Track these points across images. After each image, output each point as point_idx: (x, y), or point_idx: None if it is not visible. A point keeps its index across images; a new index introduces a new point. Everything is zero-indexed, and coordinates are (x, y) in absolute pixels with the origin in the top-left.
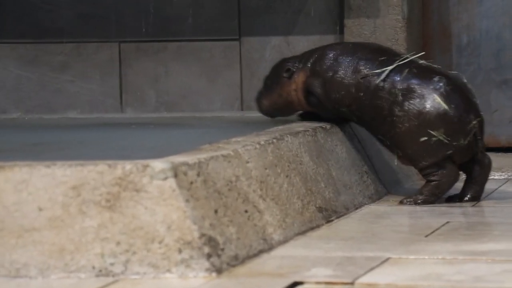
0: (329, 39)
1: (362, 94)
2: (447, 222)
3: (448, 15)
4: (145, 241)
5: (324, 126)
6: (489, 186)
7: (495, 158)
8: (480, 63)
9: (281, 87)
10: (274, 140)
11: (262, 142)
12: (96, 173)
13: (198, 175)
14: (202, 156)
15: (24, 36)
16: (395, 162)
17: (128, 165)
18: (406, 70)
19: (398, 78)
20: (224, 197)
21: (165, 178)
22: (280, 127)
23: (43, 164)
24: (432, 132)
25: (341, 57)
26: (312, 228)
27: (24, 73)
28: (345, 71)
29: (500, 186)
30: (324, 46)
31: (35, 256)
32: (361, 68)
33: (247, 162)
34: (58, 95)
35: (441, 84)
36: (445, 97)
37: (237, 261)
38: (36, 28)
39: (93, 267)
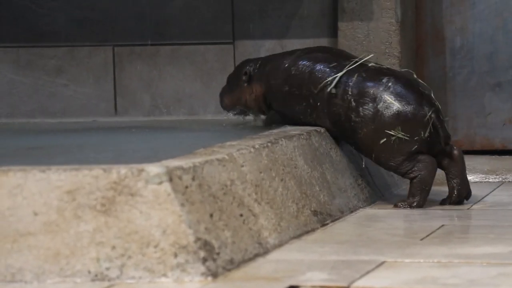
0: (323, 42)
1: (319, 103)
2: (442, 225)
3: (441, 18)
4: (140, 245)
5: (318, 130)
6: (483, 189)
7: (490, 161)
8: (474, 66)
9: (240, 91)
10: (269, 144)
11: (257, 146)
12: (91, 178)
13: (193, 179)
14: (197, 160)
15: (17, 40)
16: (363, 164)
17: (123, 170)
18: (356, 75)
19: (350, 84)
20: (219, 201)
21: (160, 183)
22: (275, 131)
23: (38, 168)
24: (390, 132)
25: (293, 68)
26: (307, 232)
27: (17, 77)
28: (300, 83)
29: (495, 189)
30: (279, 55)
31: (30, 260)
32: (314, 78)
33: (242, 166)
34: (52, 99)
35: (389, 84)
36: (396, 96)
37: (233, 265)
38: (30, 32)
39: (89, 272)
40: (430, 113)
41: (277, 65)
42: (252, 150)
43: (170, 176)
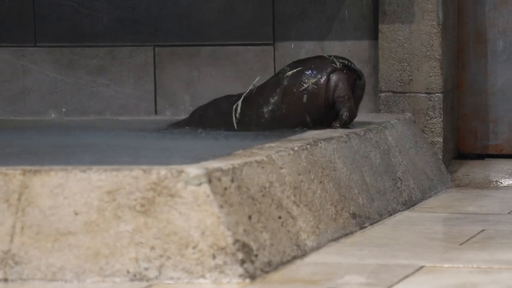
0: (364, 44)
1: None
2: (482, 230)
3: (484, 21)
4: (179, 246)
5: (358, 132)
6: None
7: None
8: None
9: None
10: (308, 146)
11: (296, 148)
12: (131, 178)
13: (232, 181)
14: (236, 162)
15: (60, 39)
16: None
17: (163, 171)
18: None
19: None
20: (257, 203)
21: (200, 184)
22: (314, 133)
23: (79, 168)
24: (304, 87)
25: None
26: (345, 235)
27: (60, 77)
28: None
29: None
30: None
31: (71, 259)
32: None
33: (281, 168)
34: (94, 98)
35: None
36: (292, 67)
37: (271, 267)
38: (72, 32)
39: (128, 272)
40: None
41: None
42: (291, 152)
43: (209, 177)
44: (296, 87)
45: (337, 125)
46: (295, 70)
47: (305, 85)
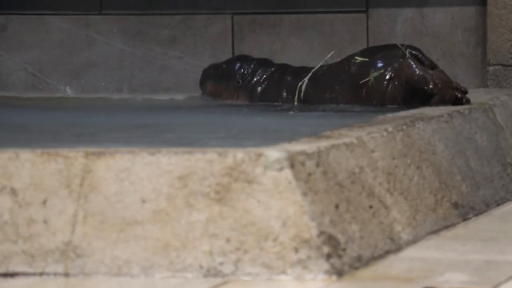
0: (470, 10)
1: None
2: None
3: None
4: (257, 238)
5: (461, 111)
6: None
7: None
8: None
9: (226, 89)
10: (404, 127)
11: (390, 129)
12: (205, 162)
13: (317, 165)
14: (321, 144)
15: (128, 7)
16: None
17: (240, 154)
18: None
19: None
20: (346, 190)
21: (281, 169)
22: (411, 112)
23: (147, 151)
24: (369, 79)
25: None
26: (446, 227)
27: (127, 48)
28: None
29: None
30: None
31: (137, 252)
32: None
33: (373, 151)
34: (165, 72)
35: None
36: (363, 53)
37: (360, 262)
38: None
39: (201, 266)
40: (404, 48)
41: (261, 81)
42: (384, 133)
43: (292, 161)
44: (359, 77)
45: (434, 101)
46: (363, 59)
47: (367, 78)
